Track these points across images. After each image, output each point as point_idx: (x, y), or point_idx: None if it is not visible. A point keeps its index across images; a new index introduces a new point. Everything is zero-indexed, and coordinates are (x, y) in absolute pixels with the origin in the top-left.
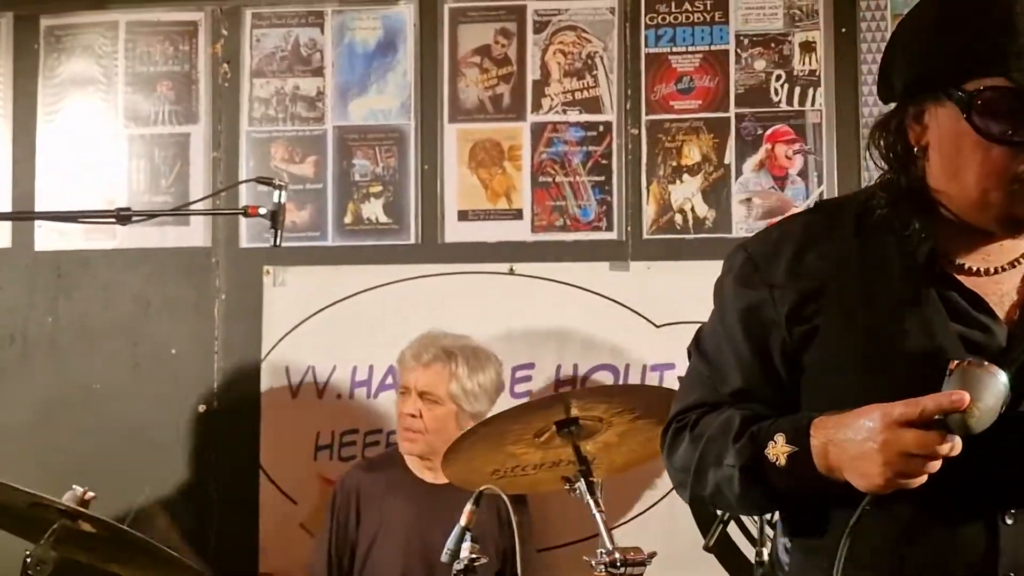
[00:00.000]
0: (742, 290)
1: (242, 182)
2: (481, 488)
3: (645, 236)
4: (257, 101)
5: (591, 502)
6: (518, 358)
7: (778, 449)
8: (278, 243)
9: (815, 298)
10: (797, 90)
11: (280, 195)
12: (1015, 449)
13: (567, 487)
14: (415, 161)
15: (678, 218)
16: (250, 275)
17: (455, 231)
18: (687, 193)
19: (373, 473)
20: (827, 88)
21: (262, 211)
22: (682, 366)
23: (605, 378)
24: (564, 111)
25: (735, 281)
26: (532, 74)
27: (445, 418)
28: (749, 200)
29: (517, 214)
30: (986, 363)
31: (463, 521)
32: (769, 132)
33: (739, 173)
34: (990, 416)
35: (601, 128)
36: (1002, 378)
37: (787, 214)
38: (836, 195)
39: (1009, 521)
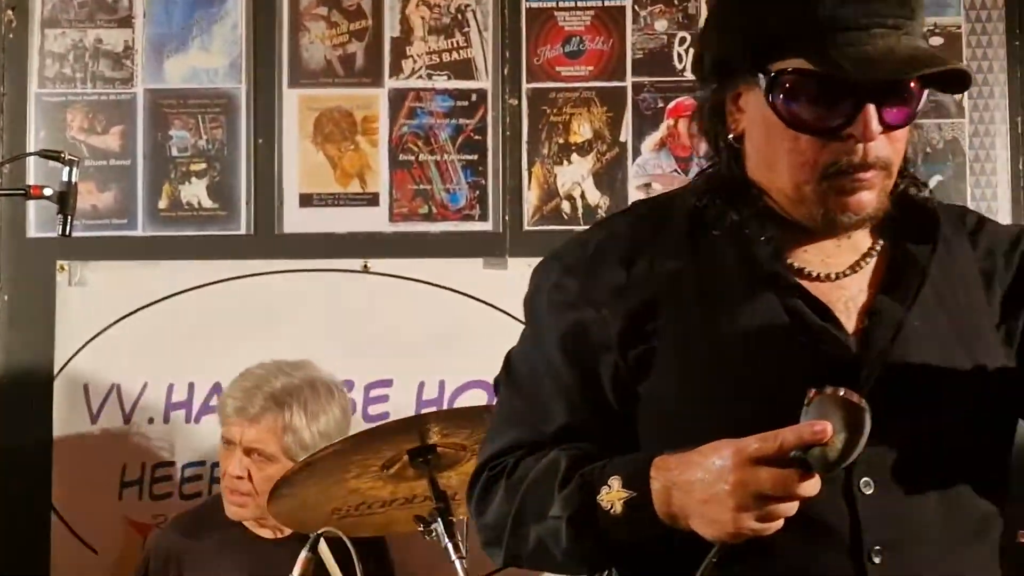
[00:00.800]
0: (562, 309)
1: (22, 156)
2: (319, 531)
3: (526, 227)
4: (50, 57)
5: (450, 546)
6: (373, 374)
7: (613, 495)
8: (68, 232)
9: (650, 315)
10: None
11: (71, 172)
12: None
13: (421, 528)
14: (247, 133)
15: (565, 206)
16: (40, 271)
17: (296, 219)
18: (576, 176)
19: (195, 531)
20: None
21: (48, 192)
22: None
23: (478, 397)
24: (429, 76)
25: (552, 298)
26: (391, 30)
27: (278, 477)
28: (648, 185)
29: (372, 199)
30: (846, 391)
31: (296, 572)
32: (672, 105)
33: (637, 153)
34: (851, 451)
35: (474, 97)
36: (865, 406)
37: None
38: None
39: (876, 560)
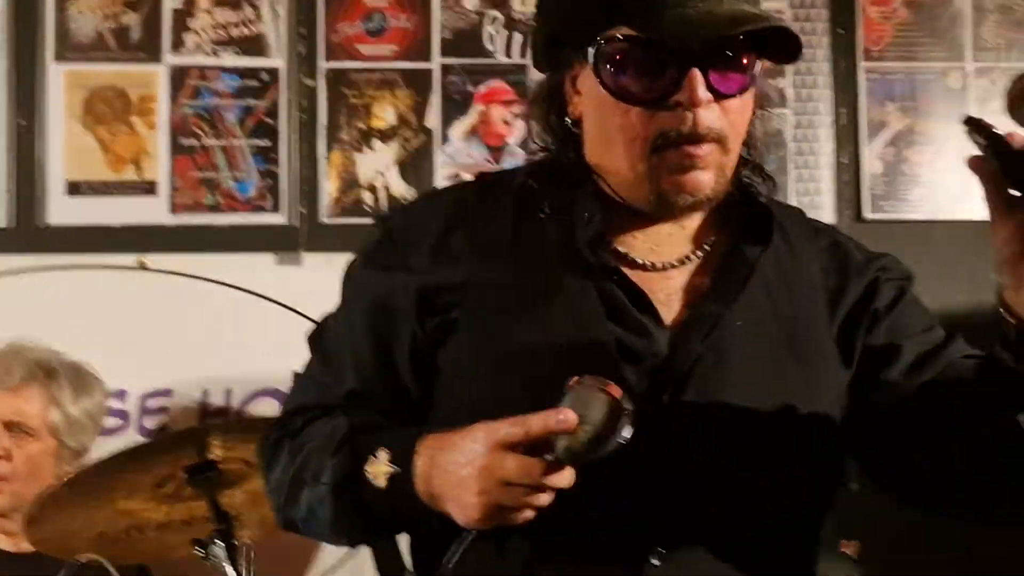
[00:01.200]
0: (373, 272)
1: None
2: (79, 558)
3: (323, 220)
4: None
5: (231, 572)
6: (149, 382)
7: (378, 467)
8: None
9: (456, 287)
10: (518, 37)
11: None
12: (663, 477)
13: (199, 552)
14: (6, 113)
15: (367, 197)
16: None
17: (63, 210)
18: (379, 165)
19: None
20: None
21: None
22: None
23: (270, 407)
24: (215, 52)
25: (367, 261)
26: (172, 0)
27: (41, 457)
28: (458, 175)
29: (149, 188)
30: (607, 382)
31: None
32: (483, 90)
33: (445, 140)
34: (602, 444)
35: (265, 76)
36: (623, 402)
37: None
38: None
39: (656, 562)
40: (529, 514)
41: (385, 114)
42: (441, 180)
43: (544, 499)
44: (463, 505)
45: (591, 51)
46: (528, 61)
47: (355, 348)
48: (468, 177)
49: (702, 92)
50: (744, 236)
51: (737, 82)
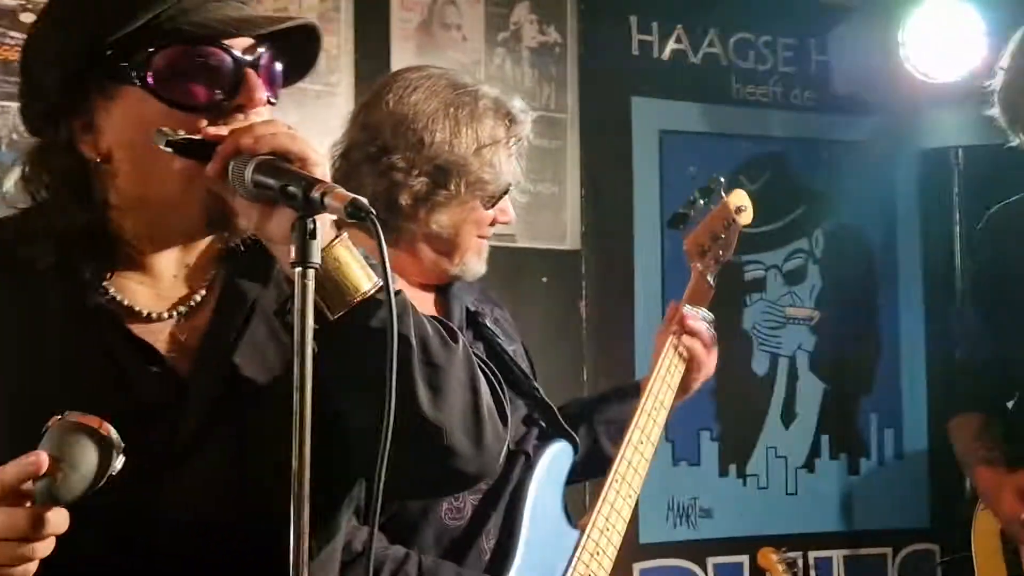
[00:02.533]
0: None
1: None
2: None
3: None
4: None
5: None
6: None
7: None
8: None
9: None
10: None
11: None
12: (174, 522)
13: None
14: None
15: None
16: None
17: None
18: None
19: None
20: None
21: None
22: None
23: None
24: None
25: None
26: None
27: None
28: None
29: None
30: (86, 416)
31: None
32: None
33: None
34: (84, 479)
35: None
36: (106, 434)
37: None
38: None
39: None
40: (31, 567)
41: None
42: None
43: (41, 548)
44: None
45: (136, 71)
46: None
47: None
48: None
49: (262, 92)
50: (243, 272)
51: (275, 91)
